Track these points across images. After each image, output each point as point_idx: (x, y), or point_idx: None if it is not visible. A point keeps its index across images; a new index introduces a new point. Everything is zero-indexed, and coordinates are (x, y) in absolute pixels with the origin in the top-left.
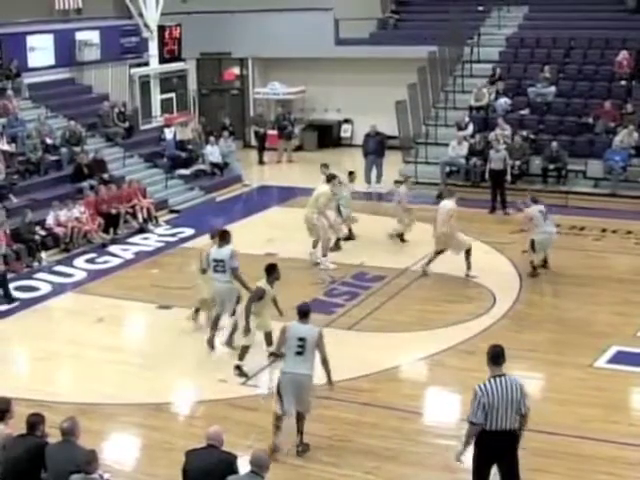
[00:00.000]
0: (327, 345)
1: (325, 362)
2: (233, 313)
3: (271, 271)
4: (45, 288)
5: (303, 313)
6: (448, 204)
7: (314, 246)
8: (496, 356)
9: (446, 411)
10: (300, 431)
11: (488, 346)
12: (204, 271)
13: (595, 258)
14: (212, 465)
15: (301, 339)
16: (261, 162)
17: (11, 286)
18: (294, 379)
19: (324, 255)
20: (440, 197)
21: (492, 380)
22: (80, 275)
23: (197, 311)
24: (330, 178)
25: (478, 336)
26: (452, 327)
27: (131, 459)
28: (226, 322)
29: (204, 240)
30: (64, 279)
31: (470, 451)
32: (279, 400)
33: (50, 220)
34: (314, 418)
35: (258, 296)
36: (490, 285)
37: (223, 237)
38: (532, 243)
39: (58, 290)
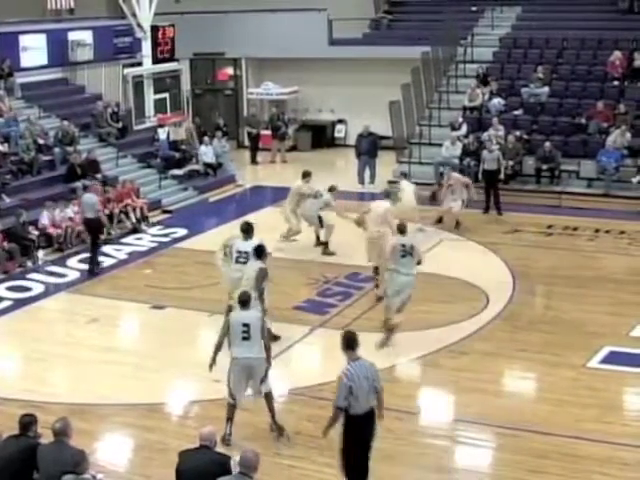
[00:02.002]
0: (321, 345)
1: (266, 347)
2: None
3: (261, 252)
4: (38, 288)
5: (243, 302)
6: (384, 204)
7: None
8: (351, 341)
9: (440, 411)
10: (270, 409)
11: (343, 332)
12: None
13: (588, 258)
14: (205, 466)
15: (245, 325)
16: (254, 162)
17: (3, 286)
18: (246, 364)
19: (284, 237)
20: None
21: (352, 364)
22: (73, 275)
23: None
24: (305, 175)
25: (471, 336)
26: (445, 327)
27: (125, 460)
28: None
29: (202, 238)
30: (57, 279)
31: None
32: (229, 390)
33: (45, 220)
34: (307, 418)
35: (264, 276)
36: (483, 285)
37: (248, 230)
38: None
39: (51, 290)
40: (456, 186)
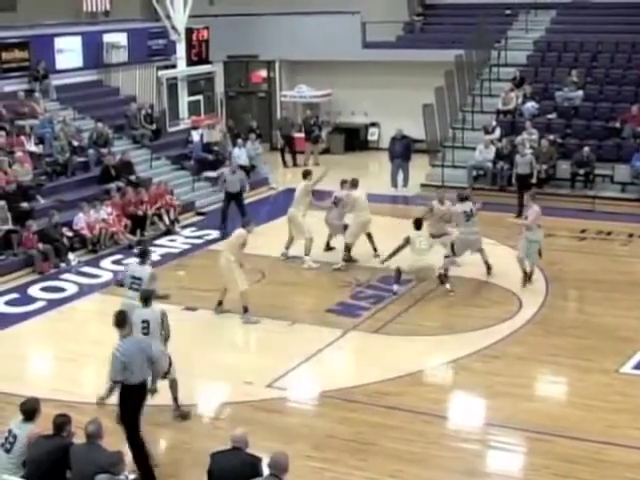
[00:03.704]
0: (353, 348)
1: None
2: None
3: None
4: (72, 289)
5: (145, 299)
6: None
7: (288, 246)
8: (121, 321)
9: (471, 415)
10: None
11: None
12: None
13: (622, 263)
14: (237, 467)
15: (144, 321)
16: (285, 165)
17: (38, 287)
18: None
19: (306, 254)
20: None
21: (124, 340)
22: (107, 276)
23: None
24: (306, 174)
25: (504, 340)
26: (478, 331)
27: (156, 460)
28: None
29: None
30: (91, 280)
31: None
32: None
33: (81, 222)
34: (339, 420)
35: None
36: (516, 289)
37: (144, 255)
38: (452, 245)
39: (85, 291)
40: (537, 221)
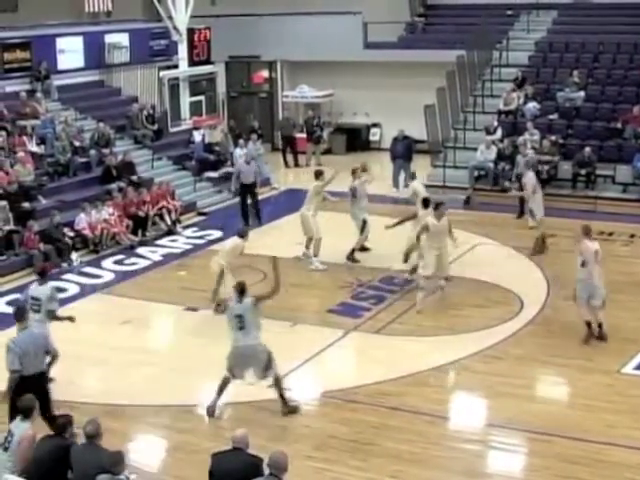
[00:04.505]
0: (354, 349)
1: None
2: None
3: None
4: (73, 289)
5: (240, 292)
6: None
7: (307, 245)
8: (19, 315)
9: (472, 416)
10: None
11: None
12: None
13: (623, 264)
14: (238, 468)
15: (238, 316)
16: (286, 166)
17: None
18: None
19: (315, 255)
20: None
21: (20, 333)
22: (108, 277)
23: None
24: (318, 174)
25: (506, 341)
26: (479, 332)
27: (157, 461)
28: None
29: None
30: (92, 280)
31: None
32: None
33: (83, 222)
34: (340, 421)
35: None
36: (517, 290)
37: (42, 274)
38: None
39: (86, 291)
40: (584, 257)
